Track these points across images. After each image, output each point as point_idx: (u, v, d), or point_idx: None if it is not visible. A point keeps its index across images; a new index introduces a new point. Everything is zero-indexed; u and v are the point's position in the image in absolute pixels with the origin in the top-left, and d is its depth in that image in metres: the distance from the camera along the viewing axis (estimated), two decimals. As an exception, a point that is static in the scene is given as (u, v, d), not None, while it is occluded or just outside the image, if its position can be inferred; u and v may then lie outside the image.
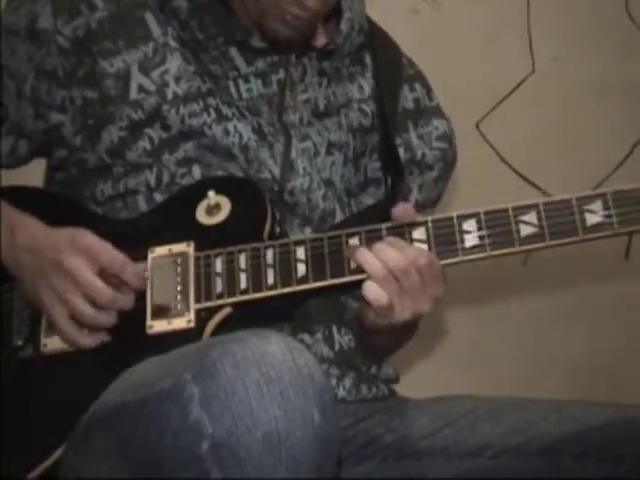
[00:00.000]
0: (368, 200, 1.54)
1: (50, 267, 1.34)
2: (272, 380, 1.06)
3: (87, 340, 1.35)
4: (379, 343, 1.49)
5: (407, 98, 1.60)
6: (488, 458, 1.36)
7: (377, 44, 1.58)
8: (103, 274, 1.34)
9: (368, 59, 1.57)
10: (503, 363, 2.38)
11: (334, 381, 1.46)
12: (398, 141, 1.56)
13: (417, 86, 1.61)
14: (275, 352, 1.09)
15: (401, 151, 1.56)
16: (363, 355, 1.51)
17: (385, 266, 1.32)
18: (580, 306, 2.46)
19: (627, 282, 2.49)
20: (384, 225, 1.36)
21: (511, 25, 2.39)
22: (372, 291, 1.32)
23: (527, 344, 2.43)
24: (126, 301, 1.35)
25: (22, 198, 1.46)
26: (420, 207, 1.58)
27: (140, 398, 1.15)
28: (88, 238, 1.35)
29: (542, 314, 2.45)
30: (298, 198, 1.47)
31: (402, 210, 1.35)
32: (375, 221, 1.39)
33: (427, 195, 1.61)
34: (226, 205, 1.41)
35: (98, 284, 1.33)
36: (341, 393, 1.46)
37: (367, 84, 1.56)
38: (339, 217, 1.50)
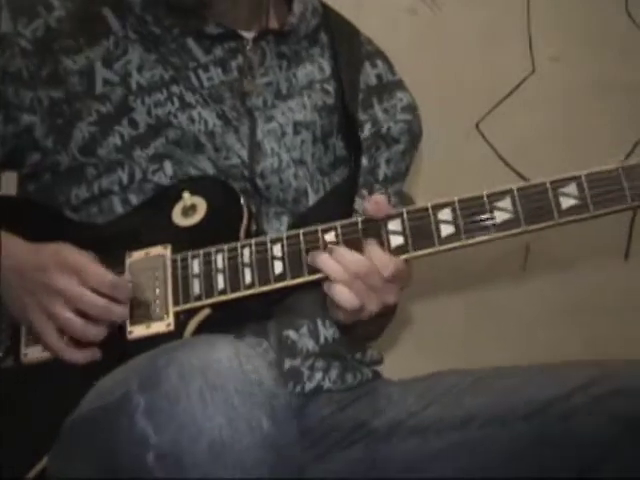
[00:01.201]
0: (338, 179, 1.55)
1: (38, 287, 1.34)
2: (216, 387, 1.06)
3: (77, 355, 1.35)
4: (359, 332, 1.50)
5: (369, 75, 1.60)
6: (476, 429, 1.37)
7: (332, 24, 1.59)
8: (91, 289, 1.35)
9: (325, 40, 1.58)
10: (501, 364, 2.38)
11: (320, 374, 1.47)
12: (364, 117, 1.57)
13: (378, 62, 1.62)
14: (222, 359, 1.09)
15: (368, 126, 1.57)
16: (348, 344, 1.52)
17: (347, 270, 1.31)
18: (579, 306, 2.46)
19: (626, 282, 2.49)
20: (360, 219, 1.35)
21: (511, 25, 2.39)
22: (344, 297, 1.31)
23: (525, 345, 2.42)
24: (120, 312, 1.34)
25: None
26: (389, 181, 1.59)
27: (99, 407, 1.16)
28: (73, 255, 1.35)
29: (540, 314, 2.44)
30: (270, 180, 1.48)
31: (373, 205, 1.34)
32: (344, 200, 1.40)
33: (396, 168, 1.61)
34: (202, 206, 1.41)
35: (91, 296, 1.33)
36: (327, 385, 1.48)
37: (327, 64, 1.57)
38: (312, 197, 1.51)
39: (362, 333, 1.51)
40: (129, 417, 1.08)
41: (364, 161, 1.56)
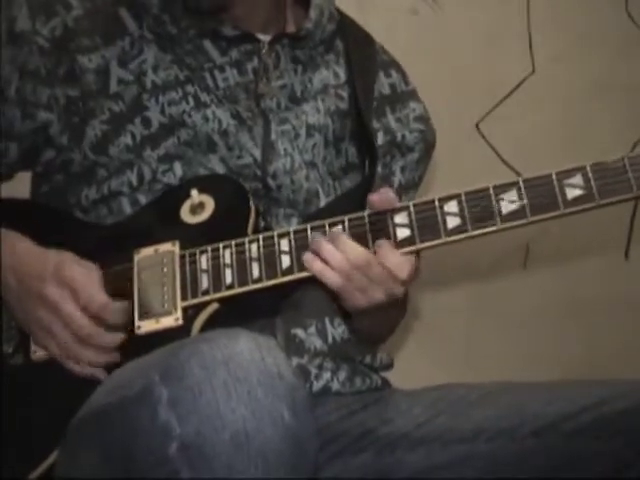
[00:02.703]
0: (350, 184, 1.55)
1: (34, 296, 1.35)
2: (239, 380, 1.07)
3: (76, 367, 1.35)
4: (366, 326, 1.50)
5: (383, 84, 1.61)
6: (484, 442, 1.36)
7: (349, 32, 1.60)
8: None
9: (341, 47, 1.59)
10: (501, 363, 2.39)
11: (329, 374, 1.47)
12: (377, 125, 1.58)
13: (392, 72, 1.63)
14: (244, 351, 1.09)
15: (380, 135, 1.58)
16: (358, 343, 1.52)
17: (347, 260, 1.32)
18: (579, 306, 2.46)
19: (626, 282, 2.49)
20: (366, 212, 1.36)
21: (511, 25, 2.40)
22: (329, 279, 1.33)
23: (525, 345, 2.43)
24: (109, 339, 1.34)
25: (8, 210, 1.47)
26: (403, 189, 1.60)
27: (116, 401, 1.16)
28: (73, 270, 1.34)
29: (541, 314, 2.45)
30: (281, 180, 1.48)
31: (377, 198, 1.35)
32: (356, 204, 1.40)
33: (410, 177, 1.62)
34: (210, 203, 1.42)
35: (78, 318, 1.33)
36: (335, 386, 1.47)
37: (342, 71, 1.58)
38: (322, 199, 1.51)
39: (370, 329, 1.51)
40: (151, 409, 1.08)
41: (378, 168, 1.56)
